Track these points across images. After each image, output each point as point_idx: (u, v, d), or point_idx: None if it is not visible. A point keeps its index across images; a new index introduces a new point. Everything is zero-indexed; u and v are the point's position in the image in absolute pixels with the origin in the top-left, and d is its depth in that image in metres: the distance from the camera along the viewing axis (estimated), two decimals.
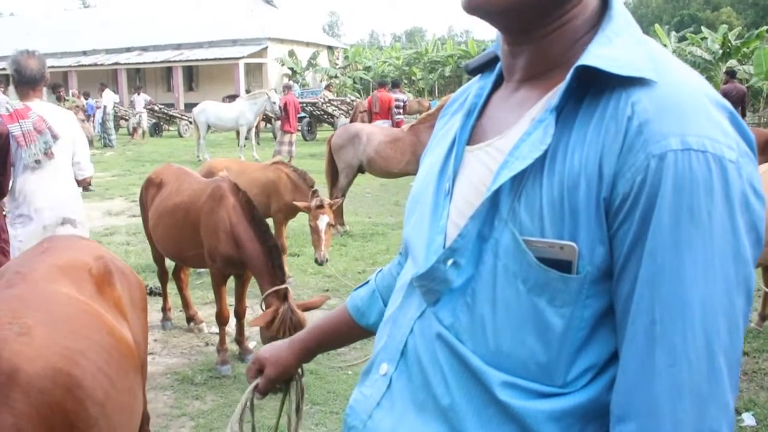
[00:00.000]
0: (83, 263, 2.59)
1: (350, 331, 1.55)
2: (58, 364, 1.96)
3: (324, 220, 6.40)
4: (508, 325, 1.02)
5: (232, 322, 5.37)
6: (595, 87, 0.99)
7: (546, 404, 1.01)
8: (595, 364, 1.02)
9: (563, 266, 0.98)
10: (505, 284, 1.02)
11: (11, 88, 8.12)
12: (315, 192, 6.65)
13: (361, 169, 9.50)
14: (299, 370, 1.66)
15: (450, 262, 1.07)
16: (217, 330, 5.40)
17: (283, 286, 4.53)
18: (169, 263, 6.10)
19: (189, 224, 5.06)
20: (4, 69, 27.74)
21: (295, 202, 6.50)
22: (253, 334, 5.74)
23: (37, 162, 4.49)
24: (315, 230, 6.39)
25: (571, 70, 1.00)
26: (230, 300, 5.36)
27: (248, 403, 1.67)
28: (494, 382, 1.03)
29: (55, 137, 4.53)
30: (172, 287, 6.23)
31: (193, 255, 5.19)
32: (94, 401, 2.04)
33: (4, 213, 4.71)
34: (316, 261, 6.50)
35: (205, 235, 4.92)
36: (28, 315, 2.07)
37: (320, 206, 6.38)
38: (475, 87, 1.25)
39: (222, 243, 4.80)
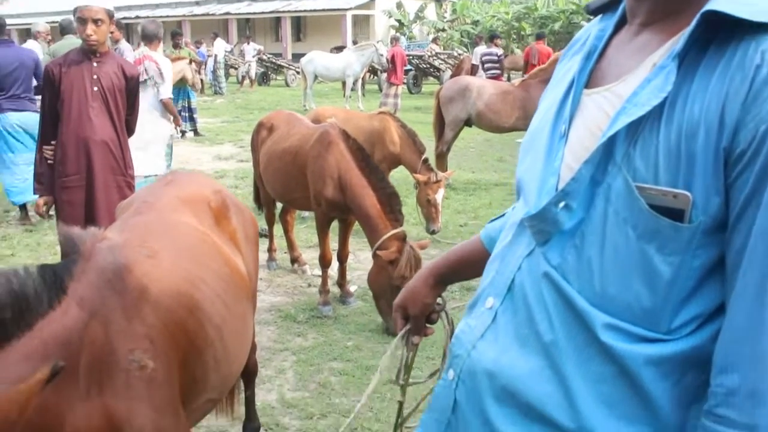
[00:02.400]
0: (203, 196, 2.74)
1: (481, 260, 1.56)
2: (181, 286, 2.09)
3: (441, 193, 6.52)
4: (615, 269, 1.03)
5: (335, 265, 5.53)
6: (721, 34, 0.97)
7: (647, 349, 1.02)
8: (700, 314, 1.02)
9: (675, 215, 0.97)
10: (615, 229, 1.02)
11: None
12: (426, 161, 6.67)
13: (468, 123, 9.41)
14: (439, 300, 1.71)
15: (562, 204, 1.08)
16: (319, 272, 5.58)
17: (401, 229, 4.65)
18: (272, 208, 6.32)
19: (297, 168, 5.21)
20: (124, 18, 28.66)
21: (415, 176, 6.54)
22: (354, 278, 5.90)
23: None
24: (432, 203, 6.46)
25: (698, 16, 0.97)
26: (333, 245, 5.51)
27: (407, 357, 1.76)
28: (597, 323, 1.05)
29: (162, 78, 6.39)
30: (277, 230, 6.46)
31: (299, 197, 5.36)
32: (212, 324, 2.18)
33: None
34: (432, 231, 6.57)
35: (312, 179, 5.06)
36: (155, 240, 2.21)
37: (437, 180, 6.46)
38: (595, 29, 1.23)
39: (328, 187, 4.92)
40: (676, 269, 0.99)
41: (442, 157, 9.33)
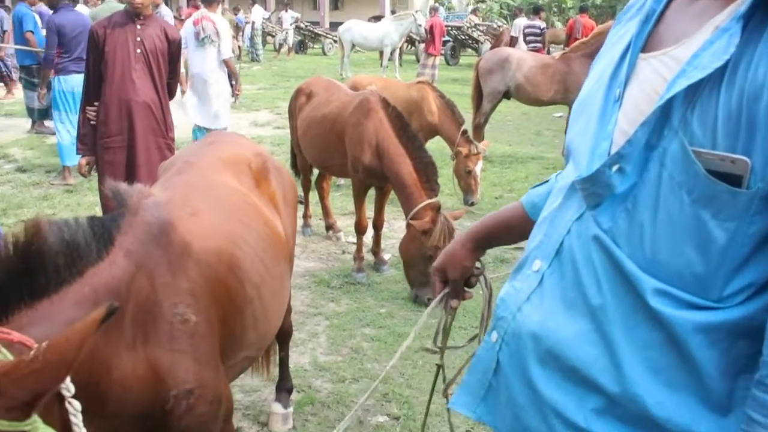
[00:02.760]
0: (244, 158, 2.76)
1: (522, 225, 1.56)
2: (222, 245, 2.13)
3: (480, 165, 6.51)
4: (667, 234, 1.02)
5: (370, 233, 5.56)
6: None
7: (697, 316, 1.02)
8: (753, 283, 1.01)
9: (732, 180, 0.96)
10: (669, 194, 1.01)
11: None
12: (465, 132, 6.62)
13: (506, 95, 9.31)
14: (478, 264, 1.71)
15: (615, 167, 1.07)
16: (353, 239, 5.62)
17: (436, 199, 4.65)
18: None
19: (335, 134, 5.22)
20: None
21: (458, 148, 6.51)
22: (388, 247, 5.93)
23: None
24: (472, 175, 6.44)
25: None
26: (368, 213, 5.53)
27: (444, 320, 1.78)
28: (647, 288, 1.04)
29: (219, 37, 7.03)
30: (313, 196, 6.50)
31: (337, 164, 5.39)
32: (252, 283, 2.21)
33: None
34: (471, 204, 6.56)
35: (350, 146, 5.06)
36: (197, 199, 2.25)
37: (477, 153, 6.43)
38: None
39: (365, 154, 4.92)
40: (731, 235, 0.98)
41: (479, 129, 9.26)
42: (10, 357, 1.12)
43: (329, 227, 6.31)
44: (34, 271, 1.35)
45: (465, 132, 6.60)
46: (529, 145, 10.78)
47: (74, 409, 1.24)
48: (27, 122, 11.09)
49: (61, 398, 1.23)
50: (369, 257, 5.63)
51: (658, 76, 1.07)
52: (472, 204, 6.54)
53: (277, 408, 3.48)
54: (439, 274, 1.69)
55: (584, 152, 1.16)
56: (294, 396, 3.67)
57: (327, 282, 5.25)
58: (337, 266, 5.63)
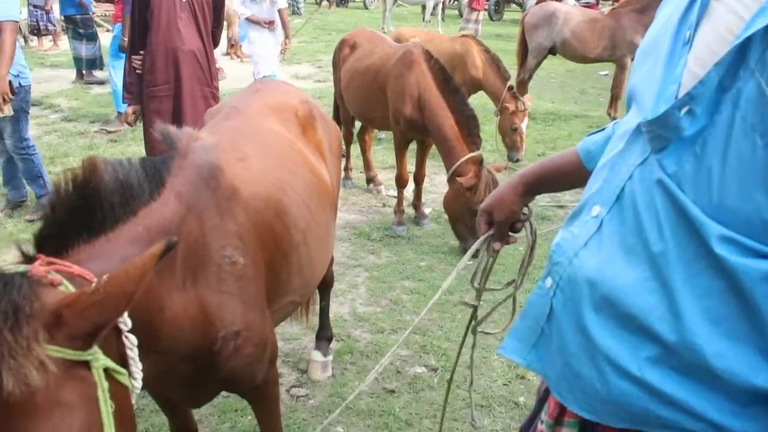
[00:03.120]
0: (291, 105, 2.76)
1: (575, 172, 1.54)
2: (270, 190, 2.13)
3: (526, 122, 6.41)
4: (737, 178, 0.99)
5: (410, 186, 5.55)
6: None
7: (764, 264, 0.98)
8: None
9: None
10: (741, 137, 0.97)
11: None
12: (511, 88, 6.49)
13: (552, 51, 9.08)
14: (525, 210, 1.70)
15: (685, 109, 1.03)
16: (394, 193, 5.62)
17: (478, 153, 4.62)
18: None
19: (377, 86, 5.18)
20: None
21: (504, 104, 6.41)
22: (428, 201, 5.91)
23: None
24: (518, 132, 6.35)
25: None
26: (410, 167, 5.51)
27: (486, 262, 1.78)
28: (712, 234, 1.01)
29: None
30: (354, 149, 6.49)
31: (379, 116, 5.36)
32: (298, 229, 2.23)
33: (218, 67, 5.15)
34: (516, 160, 6.49)
35: (392, 98, 5.03)
36: (245, 145, 2.25)
37: (524, 109, 6.34)
38: None
39: (407, 106, 4.88)
40: None
41: (523, 86, 9.08)
42: (72, 289, 1.15)
43: (370, 180, 6.31)
44: (91, 209, 1.37)
45: (511, 87, 6.47)
46: (573, 103, 10.58)
47: (131, 343, 1.27)
48: (72, 73, 11.22)
49: (118, 332, 1.26)
50: (409, 211, 5.62)
51: (734, 16, 1.02)
52: (517, 161, 6.47)
53: (317, 356, 3.54)
54: (486, 215, 1.69)
55: (650, 96, 1.13)
56: (333, 345, 3.72)
57: (367, 234, 5.28)
58: (378, 219, 5.64)
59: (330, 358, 3.59)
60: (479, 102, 7.98)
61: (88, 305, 1.04)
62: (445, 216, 5.03)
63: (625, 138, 1.21)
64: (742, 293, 1.00)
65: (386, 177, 6.41)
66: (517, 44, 9.36)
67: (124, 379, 1.19)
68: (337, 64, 5.96)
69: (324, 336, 3.60)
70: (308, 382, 3.48)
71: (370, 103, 5.35)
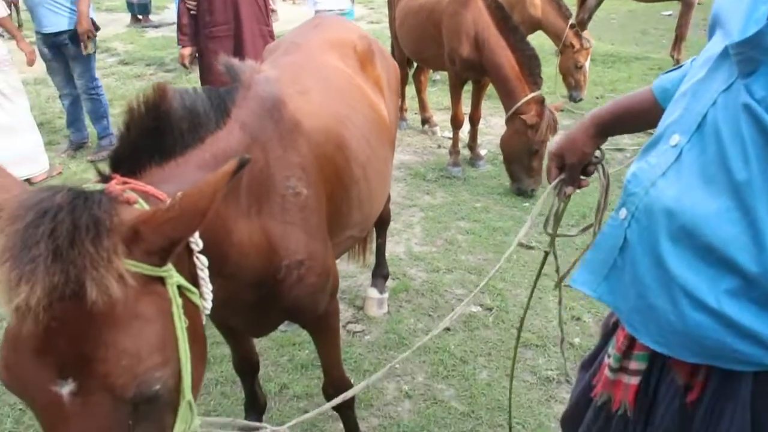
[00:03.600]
0: (349, 40, 2.73)
1: (650, 111, 1.48)
2: (330, 124, 2.14)
3: (589, 59, 6.24)
4: None
5: (466, 127, 5.49)
6: None
7: None
8: None
9: None
10: None
11: None
12: (574, 26, 6.27)
13: None
14: (598, 153, 1.65)
15: None
16: (449, 134, 5.57)
17: (539, 92, 4.54)
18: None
19: (432, 24, 5.09)
20: None
21: (568, 41, 6.22)
22: (484, 143, 5.85)
23: None
24: (582, 70, 6.19)
25: None
26: (465, 108, 5.44)
27: (557, 207, 1.75)
28: None
29: None
30: (410, 90, 6.43)
31: (433, 56, 5.27)
32: (358, 163, 2.23)
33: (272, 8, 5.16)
34: (578, 100, 6.34)
35: (447, 37, 4.93)
36: (305, 78, 2.25)
37: (588, 47, 6.16)
38: None
39: (463, 45, 4.79)
40: None
41: (582, 26, 8.76)
42: (146, 207, 1.18)
43: (425, 121, 6.27)
44: (163, 132, 1.39)
45: (573, 25, 6.26)
46: (634, 44, 10.24)
47: (201, 263, 1.30)
48: (126, 17, 11.33)
49: (190, 252, 1.29)
50: (464, 152, 5.58)
51: None
52: (579, 100, 6.32)
53: (373, 293, 3.58)
54: (557, 159, 1.65)
55: (739, 17, 1.07)
56: (389, 283, 3.76)
57: (422, 175, 5.26)
58: (433, 160, 5.62)
59: (386, 295, 3.63)
60: (536, 42, 7.79)
61: (164, 221, 1.07)
62: (501, 157, 4.97)
63: (707, 65, 1.16)
64: None
65: (441, 119, 6.35)
66: None
67: (195, 298, 1.23)
68: (391, 4, 5.86)
69: (380, 273, 3.63)
70: (364, 319, 3.53)
71: (424, 42, 5.26)
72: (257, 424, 1.58)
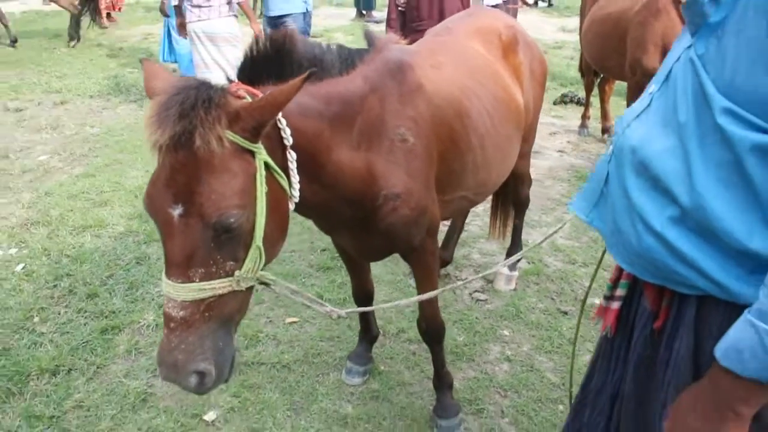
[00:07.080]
0: (495, 29, 3.05)
1: None
2: (454, 93, 2.47)
3: None
4: (745, 57, 1.13)
5: None
6: None
7: (757, 137, 1.12)
8: None
9: None
10: (753, 20, 1.11)
11: None
12: None
13: None
14: None
15: None
16: None
17: None
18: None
19: (617, 34, 5.19)
20: None
21: None
22: None
23: None
24: None
25: None
26: None
27: None
28: (717, 106, 1.17)
29: None
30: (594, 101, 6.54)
31: (614, 65, 5.37)
32: (476, 132, 2.54)
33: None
34: None
35: (631, 46, 5.01)
36: (443, 55, 2.62)
37: None
38: None
39: (648, 56, 4.84)
40: None
41: None
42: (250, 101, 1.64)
43: (605, 130, 6.33)
44: (282, 62, 1.82)
45: None
46: None
47: (291, 157, 1.73)
48: (353, 12, 12.32)
49: (284, 148, 1.72)
50: None
51: None
52: None
53: (503, 269, 3.85)
54: None
55: None
56: (523, 265, 4.01)
57: (587, 178, 5.37)
58: None
59: (516, 273, 3.89)
60: None
61: (256, 107, 1.52)
62: None
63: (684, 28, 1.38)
64: (740, 163, 1.15)
65: None
66: None
67: (281, 180, 1.66)
68: (584, 12, 6.02)
69: (513, 252, 3.88)
70: (490, 290, 3.83)
71: (607, 51, 5.38)
72: (320, 300, 1.94)
